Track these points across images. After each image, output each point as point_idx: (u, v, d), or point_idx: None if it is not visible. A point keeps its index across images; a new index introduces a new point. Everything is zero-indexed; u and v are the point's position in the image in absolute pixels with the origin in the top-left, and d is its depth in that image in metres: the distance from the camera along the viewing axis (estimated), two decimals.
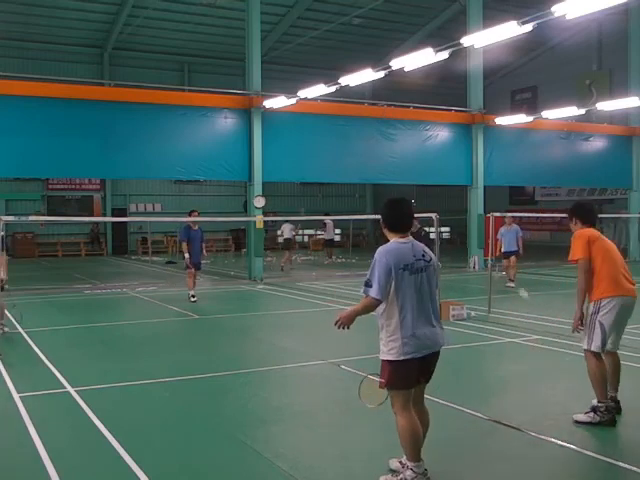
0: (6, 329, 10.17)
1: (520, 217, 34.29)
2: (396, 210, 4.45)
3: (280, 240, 23.52)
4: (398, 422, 4.27)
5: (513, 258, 16.30)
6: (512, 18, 12.34)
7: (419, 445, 4.27)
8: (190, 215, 14.28)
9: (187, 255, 13.66)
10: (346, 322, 4.29)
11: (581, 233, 5.88)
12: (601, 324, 5.62)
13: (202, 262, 14.31)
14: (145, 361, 8.35)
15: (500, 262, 16.93)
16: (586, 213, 6.03)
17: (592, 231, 5.92)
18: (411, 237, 4.43)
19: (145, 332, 10.72)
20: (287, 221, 22.01)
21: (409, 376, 4.27)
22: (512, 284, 15.93)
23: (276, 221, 27.12)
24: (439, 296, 11.25)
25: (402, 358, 4.22)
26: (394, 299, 4.22)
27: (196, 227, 13.98)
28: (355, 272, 19.57)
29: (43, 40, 29.12)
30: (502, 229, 16.64)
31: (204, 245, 14.17)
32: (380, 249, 4.29)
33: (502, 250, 16.29)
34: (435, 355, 4.46)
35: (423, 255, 4.35)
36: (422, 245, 4.47)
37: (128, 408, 6.23)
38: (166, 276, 20.02)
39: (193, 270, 13.84)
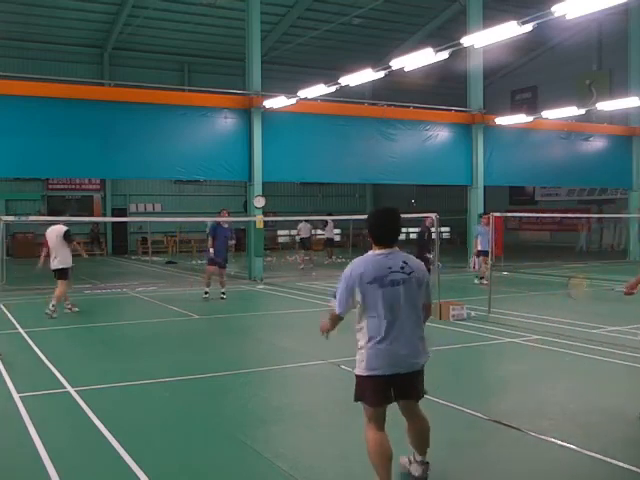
0: (75, 309, 12.03)
1: (520, 217, 34.48)
2: (382, 222, 4.16)
3: (297, 239, 23.78)
4: (365, 434, 4.14)
5: (485, 258, 16.38)
6: (512, 18, 12.34)
7: (385, 464, 4.02)
8: (220, 214, 14.53)
9: (211, 250, 13.92)
10: (326, 330, 4.33)
11: None
12: None
13: (226, 260, 14.28)
14: (145, 361, 8.34)
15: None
16: None
17: None
18: (395, 248, 4.13)
19: (145, 332, 10.72)
20: (306, 220, 22.12)
21: (375, 393, 4.03)
22: (485, 281, 15.97)
23: (276, 221, 27.12)
24: (438, 297, 11.31)
25: (366, 374, 4.02)
26: (362, 312, 4.06)
27: (226, 225, 14.08)
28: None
29: (43, 40, 29.12)
30: (479, 227, 16.85)
31: (230, 242, 14.22)
32: (353, 261, 4.16)
33: (479, 249, 16.55)
34: (414, 374, 4.11)
35: (402, 267, 4.04)
36: (405, 256, 4.13)
37: (128, 408, 6.23)
38: (166, 276, 20.02)
39: (212, 267, 13.98)
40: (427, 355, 4.19)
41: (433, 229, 14.76)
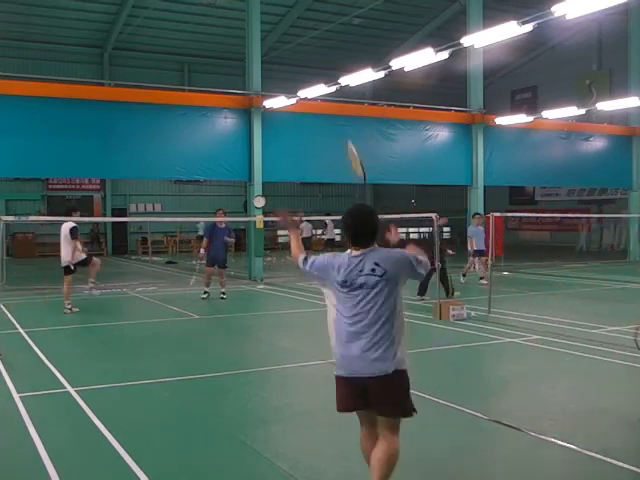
0: (75, 309, 12.14)
1: (520, 217, 34.49)
2: (356, 222, 3.90)
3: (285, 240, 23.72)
4: None
5: (484, 258, 16.53)
6: (512, 18, 12.35)
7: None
8: (216, 214, 14.57)
9: (202, 250, 14.20)
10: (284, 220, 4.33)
11: None
12: None
13: (226, 260, 14.25)
14: (145, 361, 8.34)
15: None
16: None
17: None
18: (372, 247, 3.87)
19: (145, 332, 10.72)
20: (306, 221, 22.12)
21: (339, 396, 3.88)
22: (484, 281, 16.14)
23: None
24: (438, 297, 11.33)
25: (335, 373, 3.90)
26: (331, 306, 3.97)
27: (222, 225, 14.10)
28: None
29: (43, 40, 29.11)
30: (472, 228, 16.99)
31: (228, 240, 14.20)
32: (333, 254, 4.01)
33: (475, 249, 16.70)
34: (376, 381, 3.73)
35: (373, 270, 3.76)
36: (379, 257, 3.81)
37: (128, 408, 6.23)
38: (166, 276, 20.02)
39: (211, 268, 14.04)
40: (398, 362, 3.78)
41: (446, 229, 14.97)
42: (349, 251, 3.92)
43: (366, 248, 3.86)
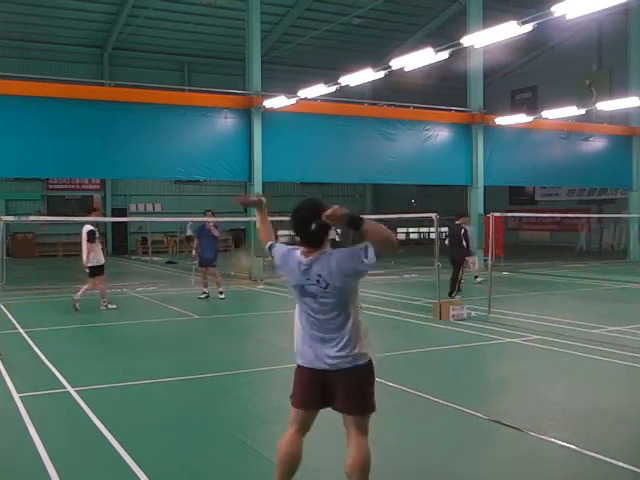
0: (110, 306, 12.57)
1: (520, 217, 34.49)
2: (294, 219, 3.61)
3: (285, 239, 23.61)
4: None
5: (473, 258, 16.89)
6: (512, 18, 12.36)
7: (282, 473, 3.81)
8: (205, 215, 14.61)
9: (194, 252, 14.33)
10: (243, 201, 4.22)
11: None
12: None
13: (214, 259, 14.18)
14: (145, 361, 8.34)
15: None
16: None
17: None
18: (322, 250, 3.58)
19: (145, 332, 10.72)
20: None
21: (297, 388, 3.76)
22: (479, 279, 16.66)
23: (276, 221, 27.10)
24: (438, 297, 11.33)
25: (297, 362, 3.77)
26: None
27: (211, 224, 14.13)
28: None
29: (43, 40, 29.11)
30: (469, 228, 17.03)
31: (215, 229, 14.06)
32: (293, 247, 3.76)
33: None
34: (335, 375, 3.62)
35: (317, 281, 3.53)
36: (321, 267, 3.54)
37: (128, 408, 6.23)
38: (166, 276, 20.01)
39: (204, 268, 14.13)
40: (357, 357, 3.62)
41: (469, 228, 15.09)
42: (299, 253, 3.67)
43: (315, 251, 3.58)
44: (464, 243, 14.00)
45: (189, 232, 23.51)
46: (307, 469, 4.64)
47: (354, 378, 3.64)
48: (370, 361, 3.71)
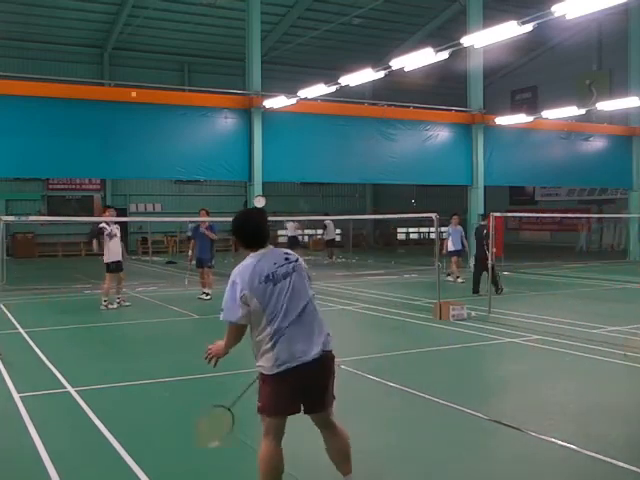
0: (110, 306, 12.68)
1: (520, 217, 34.49)
2: (249, 225, 3.95)
3: (284, 240, 23.46)
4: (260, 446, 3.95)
5: (456, 258, 17.06)
6: (512, 18, 12.36)
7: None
8: (199, 214, 14.53)
9: (190, 253, 14.32)
10: (215, 355, 4.27)
11: None
12: None
13: (210, 260, 14.10)
14: (145, 361, 8.35)
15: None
16: None
17: None
18: (270, 246, 3.95)
19: (145, 332, 10.72)
20: (292, 220, 22.06)
21: (283, 395, 3.87)
22: (460, 279, 16.78)
23: (276, 221, 27.13)
24: (438, 297, 11.32)
25: (276, 372, 3.84)
26: (258, 317, 3.85)
27: (205, 225, 14.07)
28: (355, 272, 19.61)
29: (43, 40, 29.11)
30: (449, 228, 17.10)
31: (210, 232, 14.02)
32: (235, 270, 3.89)
33: (448, 250, 16.88)
34: (315, 366, 3.84)
35: (286, 258, 3.93)
36: (281, 249, 4.05)
37: (128, 408, 6.24)
38: (166, 276, 20.01)
39: (201, 268, 14.03)
40: (329, 341, 3.96)
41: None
42: (249, 256, 3.90)
43: (265, 246, 3.93)
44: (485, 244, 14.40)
45: (189, 233, 23.42)
46: (301, 467, 4.65)
47: (332, 366, 4.09)
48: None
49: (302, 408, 3.96)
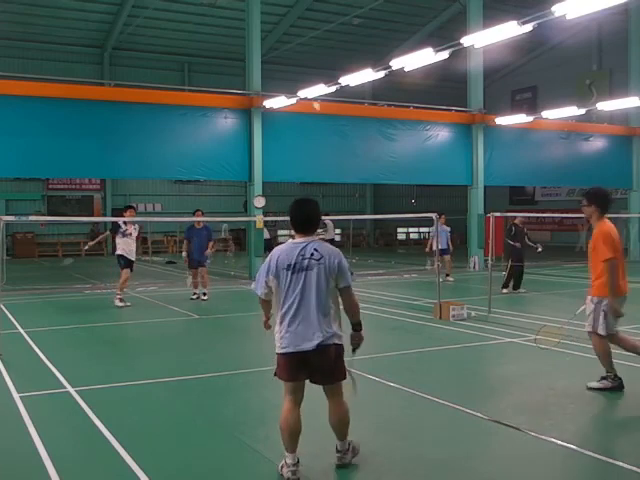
0: (118, 303, 12.96)
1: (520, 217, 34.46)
2: (296, 213, 4.51)
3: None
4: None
5: (449, 257, 17.51)
6: (512, 18, 12.34)
7: (290, 438, 4.44)
8: (194, 214, 14.49)
9: (184, 253, 14.08)
10: (265, 321, 4.73)
11: (609, 231, 6.77)
12: (604, 312, 6.75)
13: (206, 259, 14.11)
14: (145, 361, 8.35)
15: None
16: (606, 201, 7.10)
17: (613, 227, 6.87)
18: (312, 237, 4.45)
19: (145, 332, 10.73)
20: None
21: (288, 369, 4.41)
22: (451, 278, 17.33)
23: (276, 221, 27.11)
24: (438, 297, 11.33)
25: (280, 352, 4.42)
26: (278, 296, 4.45)
27: (200, 225, 14.00)
28: (355, 272, 19.62)
29: (43, 40, 29.13)
30: (434, 228, 17.26)
31: (211, 244, 14.06)
32: (274, 249, 4.56)
33: (433, 248, 16.94)
34: (313, 355, 4.34)
35: (312, 254, 4.35)
36: (318, 245, 4.42)
37: (128, 408, 6.23)
38: (166, 276, 20.01)
39: (195, 269, 13.94)
40: (336, 335, 4.38)
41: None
42: (290, 240, 4.53)
43: (307, 236, 4.45)
44: (510, 241, 14.96)
45: (224, 234, 22.81)
46: (301, 467, 4.65)
47: (330, 356, 4.45)
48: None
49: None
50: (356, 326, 4.55)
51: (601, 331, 6.76)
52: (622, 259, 6.86)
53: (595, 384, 6.67)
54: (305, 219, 4.48)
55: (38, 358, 8.32)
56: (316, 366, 4.38)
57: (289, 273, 4.34)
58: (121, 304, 12.98)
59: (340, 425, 4.56)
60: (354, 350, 4.58)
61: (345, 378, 4.51)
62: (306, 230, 4.45)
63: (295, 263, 4.33)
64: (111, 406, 6.23)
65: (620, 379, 6.68)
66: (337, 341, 4.40)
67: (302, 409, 4.52)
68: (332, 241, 25.73)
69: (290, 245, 4.44)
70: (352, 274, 4.51)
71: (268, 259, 4.47)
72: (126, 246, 13.03)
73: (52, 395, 6.63)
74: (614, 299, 6.63)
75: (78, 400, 6.34)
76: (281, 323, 4.41)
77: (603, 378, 6.71)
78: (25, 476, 4.66)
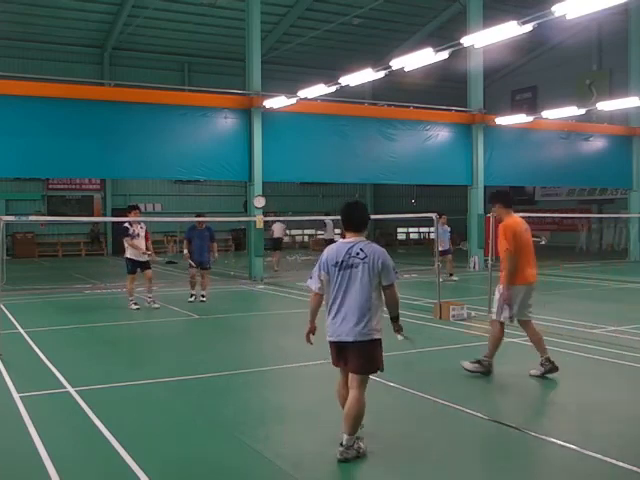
0: (155, 305, 12.72)
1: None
2: (347, 215, 4.94)
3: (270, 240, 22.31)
4: None
5: (450, 256, 17.58)
6: (512, 18, 12.34)
7: (341, 402, 4.97)
8: (197, 216, 14.53)
9: (185, 251, 13.97)
10: (308, 332, 5.13)
11: (510, 225, 7.00)
12: (509, 304, 7.05)
13: (209, 261, 14.02)
14: (145, 361, 8.35)
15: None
16: (507, 197, 7.34)
17: (517, 223, 7.11)
18: (360, 236, 4.85)
19: (145, 332, 10.73)
20: (278, 221, 21.72)
21: (332, 355, 4.99)
22: (455, 277, 17.47)
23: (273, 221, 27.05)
24: (438, 297, 11.33)
25: (327, 339, 4.95)
26: (327, 290, 4.90)
27: (202, 226, 13.96)
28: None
29: (43, 40, 29.14)
30: (436, 228, 17.27)
31: (214, 245, 13.99)
32: (326, 248, 5.01)
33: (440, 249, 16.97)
34: (350, 346, 4.77)
35: (358, 253, 4.76)
36: (364, 245, 4.80)
37: (128, 408, 6.23)
38: (166, 276, 20.00)
39: (193, 270, 13.83)
40: (374, 330, 4.76)
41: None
42: (341, 239, 4.95)
43: (357, 236, 4.87)
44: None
45: (279, 234, 21.75)
46: (302, 467, 4.64)
47: (366, 349, 4.85)
48: None
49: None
50: (394, 318, 4.98)
51: (504, 319, 7.17)
52: (528, 250, 7.08)
53: (470, 365, 7.20)
54: (354, 221, 4.89)
55: (38, 358, 8.32)
56: (351, 356, 4.79)
57: (337, 270, 4.79)
58: (135, 307, 12.71)
59: (350, 418, 4.77)
60: (400, 332, 5.01)
61: (376, 372, 4.89)
62: (355, 230, 4.88)
63: (342, 261, 4.77)
64: (111, 406, 6.23)
65: (490, 365, 7.14)
66: (375, 336, 4.77)
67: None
68: (331, 241, 25.77)
69: (340, 244, 4.88)
70: (396, 273, 4.85)
71: (321, 256, 4.92)
72: (135, 248, 12.79)
73: (52, 395, 6.63)
74: (509, 287, 6.96)
75: (78, 400, 6.34)
76: (328, 314, 4.89)
77: (477, 361, 7.18)
78: (25, 476, 4.66)
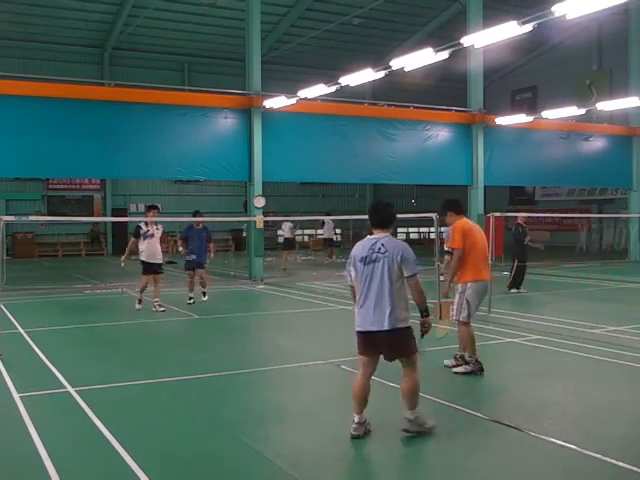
0: (160, 309, 12.31)
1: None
2: (370, 212, 5.36)
3: (280, 240, 23.10)
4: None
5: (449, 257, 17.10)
6: (512, 18, 12.34)
7: (355, 401, 5.21)
8: (194, 216, 14.42)
9: (181, 248, 13.99)
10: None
11: (459, 226, 7.35)
12: (467, 301, 7.26)
13: (206, 261, 14.03)
14: (145, 361, 8.35)
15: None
16: (456, 204, 7.63)
17: (466, 223, 7.45)
18: (383, 233, 5.21)
19: (145, 332, 10.72)
20: (287, 220, 21.97)
21: (360, 344, 5.25)
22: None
23: (276, 221, 27.11)
24: (438, 297, 11.31)
25: (355, 329, 5.26)
26: (355, 283, 5.27)
27: (199, 226, 13.94)
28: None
29: (43, 40, 29.13)
30: (445, 228, 17.29)
31: (211, 245, 13.99)
32: (355, 245, 5.39)
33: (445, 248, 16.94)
34: (382, 335, 5.07)
35: (380, 249, 5.12)
36: (386, 240, 5.15)
37: (128, 408, 6.23)
38: (166, 276, 19.92)
39: (192, 270, 13.80)
40: (397, 320, 5.06)
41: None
42: (368, 236, 5.32)
43: (381, 232, 5.24)
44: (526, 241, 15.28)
45: (287, 234, 22.06)
46: (302, 467, 4.65)
47: (396, 337, 5.20)
48: None
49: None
50: (423, 312, 5.21)
51: (464, 318, 7.33)
52: (481, 249, 7.36)
53: (460, 369, 7.30)
54: (378, 218, 5.28)
55: (38, 358, 8.32)
56: (382, 345, 5.13)
57: (362, 264, 5.16)
58: (138, 306, 12.53)
59: (405, 395, 5.19)
60: (422, 335, 5.22)
61: (411, 355, 5.17)
62: (379, 227, 5.26)
63: (366, 256, 5.15)
64: (111, 406, 6.23)
65: (480, 363, 7.25)
66: (401, 325, 5.07)
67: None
68: (330, 240, 25.76)
69: (365, 241, 5.27)
70: (418, 265, 5.15)
71: (351, 252, 5.32)
72: (148, 249, 12.53)
73: (52, 395, 6.63)
74: (451, 282, 7.40)
75: (78, 400, 6.34)
76: (357, 306, 5.24)
77: (465, 363, 7.30)
78: (25, 476, 4.66)
